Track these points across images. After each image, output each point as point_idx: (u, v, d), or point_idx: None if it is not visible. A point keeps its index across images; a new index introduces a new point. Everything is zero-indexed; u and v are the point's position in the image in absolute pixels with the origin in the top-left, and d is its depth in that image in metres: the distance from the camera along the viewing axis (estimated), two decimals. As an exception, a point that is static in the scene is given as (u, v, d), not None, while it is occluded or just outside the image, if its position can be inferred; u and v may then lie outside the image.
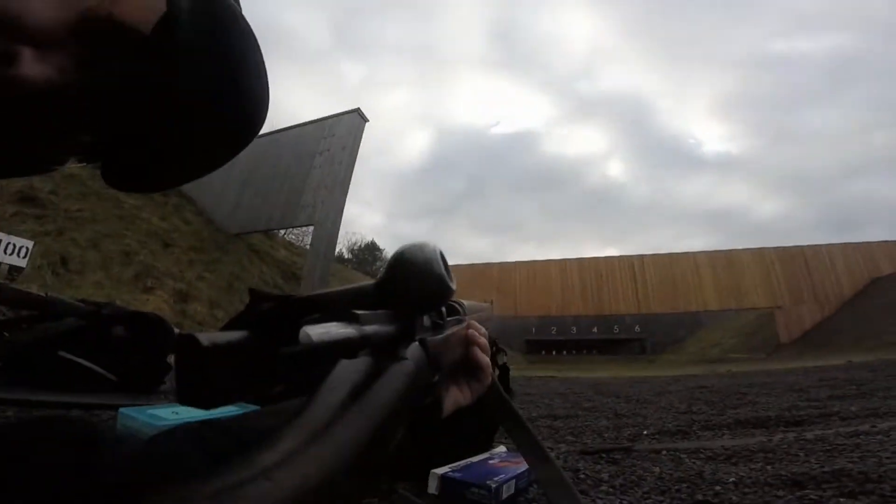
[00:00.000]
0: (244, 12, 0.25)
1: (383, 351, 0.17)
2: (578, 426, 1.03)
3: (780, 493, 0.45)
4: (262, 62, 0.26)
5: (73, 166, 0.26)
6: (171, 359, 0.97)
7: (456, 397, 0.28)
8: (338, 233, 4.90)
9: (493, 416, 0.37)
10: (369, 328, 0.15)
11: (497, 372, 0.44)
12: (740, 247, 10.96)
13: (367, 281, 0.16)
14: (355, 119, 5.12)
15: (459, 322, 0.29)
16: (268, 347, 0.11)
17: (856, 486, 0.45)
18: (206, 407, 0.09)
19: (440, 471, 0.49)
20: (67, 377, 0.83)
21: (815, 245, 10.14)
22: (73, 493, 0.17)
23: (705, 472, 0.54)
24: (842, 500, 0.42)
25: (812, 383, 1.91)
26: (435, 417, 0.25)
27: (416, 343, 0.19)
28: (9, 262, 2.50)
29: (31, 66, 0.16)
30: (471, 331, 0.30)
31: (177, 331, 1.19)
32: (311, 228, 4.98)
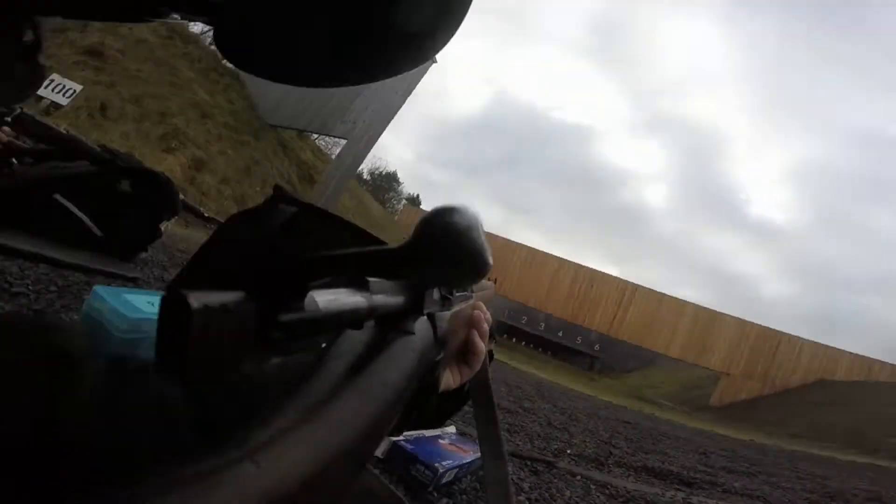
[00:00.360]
0: None
1: (390, 323, 0.15)
2: (516, 424, 1.17)
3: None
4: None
5: (173, 21, 0.25)
6: (163, 226, 0.97)
7: (446, 379, 0.27)
8: (367, 154, 4.83)
9: (472, 398, 0.36)
10: (378, 297, 0.14)
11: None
12: (723, 310, 11.23)
13: (386, 244, 0.13)
14: None
15: (467, 299, 0.28)
16: (268, 312, 0.10)
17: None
18: (188, 384, 0.08)
19: (392, 437, 0.51)
20: (52, 223, 0.79)
21: (793, 336, 10.47)
22: (31, 469, 0.14)
23: (603, 508, 0.66)
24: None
25: (715, 449, 2.14)
26: (431, 398, 0.24)
27: (425, 317, 0.18)
28: (53, 98, 2.47)
29: None
30: (476, 312, 0.28)
31: (183, 199, 1.20)
32: (343, 141, 4.88)
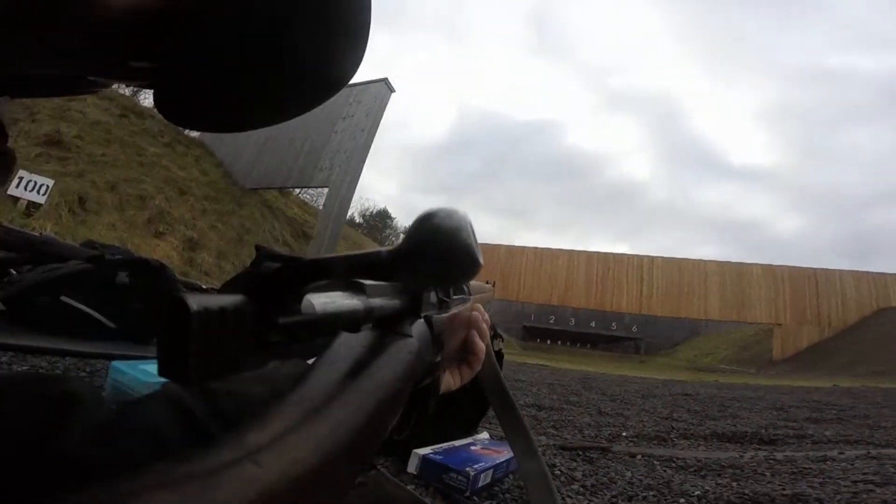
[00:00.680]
0: None
1: (387, 326, 0.16)
2: (561, 420, 1.08)
3: (739, 511, 0.48)
4: (367, 18, 0.22)
5: (101, 90, 0.23)
6: None
7: (446, 380, 0.27)
8: (352, 197, 4.97)
9: (489, 402, 0.36)
10: (375, 301, 0.14)
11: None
12: (750, 261, 10.77)
13: (380, 247, 0.14)
14: (382, 88, 5.06)
15: (464, 301, 0.28)
16: (266, 315, 0.10)
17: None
18: (187, 383, 0.08)
19: (422, 451, 0.50)
20: (67, 323, 0.84)
21: (829, 269, 9.92)
22: (31, 468, 0.15)
23: (674, 482, 0.58)
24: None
25: (794, 403, 1.95)
26: (431, 400, 0.24)
27: (422, 320, 0.18)
28: (28, 198, 2.59)
29: None
30: (475, 313, 0.29)
31: (182, 279, 1.22)
32: (325, 190, 5.06)
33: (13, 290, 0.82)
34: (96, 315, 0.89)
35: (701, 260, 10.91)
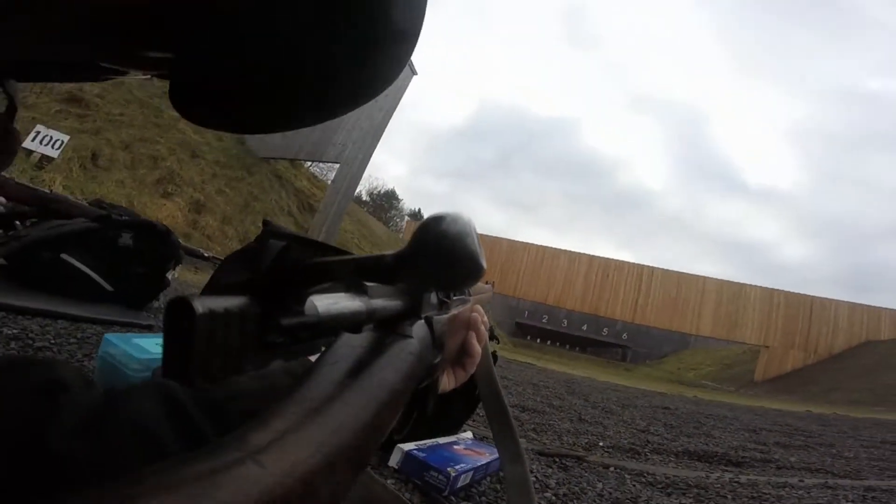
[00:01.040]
0: None
1: (388, 326, 0.16)
2: (543, 423, 1.12)
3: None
4: (411, 26, 0.19)
5: (132, 78, 0.23)
6: (170, 275, 1.01)
7: (442, 381, 0.27)
8: (362, 175, 4.95)
9: (482, 404, 0.36)
10: (376, 302, 0.14)
11: None
12: (750, 282, 10.82)
13: (385, 252, 0.14)
14: (405, 69, 5.01)
15: (464, 302, 0.28)
16: (269, 317, 0.10)
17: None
18: (191, 384, 0.08)
19: (406, 446, 0.51)
20: (64, 282, 0.83)
21: (825, 298, 9.98)
22: (16, 464, 0.15)
23: (641, 497, 0.62)
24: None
25: (766, 425, 2.01)
26: (430, 400, 0.24)
27: (422, 321, 0.18)
28: (43, 151, 2.59)
29: None
30: (474, 314, 0.29)
31: (185, 245, 1.23)
32: (336, 165, 5.03)
33: (16, 245, 0.82)
34: (95, 276, 0.89)
35: (701, 276, 10.95)
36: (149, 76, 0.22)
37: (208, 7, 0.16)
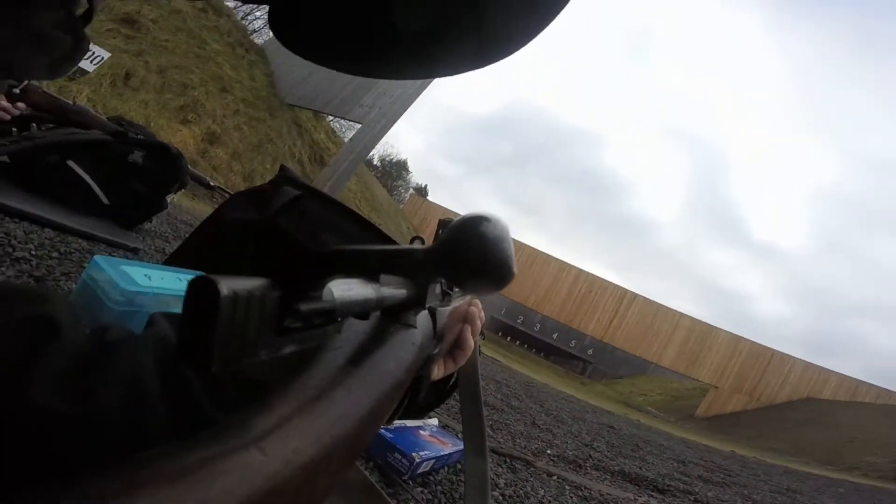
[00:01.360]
0: None
1: (392, 315, 0.16)
2: (500, 422, 1.20)
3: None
4: None
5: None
6: (170, 198, 1.00)
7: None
8: (379, 140, 4.84)
9: (461, 398, 0.36)
10: (385, 290, 0.14)
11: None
12: (721, 325, 11.31)
13: (414, 245, 0.13)
14: None
15: (464, 295, 0.28)
16: (288, 301, 0.10)
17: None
18: (209, 369, 0.08)
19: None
20: (63, 188, 0.82)
21: (785, 354, 10.54)
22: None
23: (575, 509, 0.68)
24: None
25: (694, 459, 2.17)
26: (422, 389, 0.24)
27: (426, 311, 0.18)
28: (80, 64, 2.47)
29: None
30: (472, 308, 0.29)
31: (192, 171, 1.21)
32: (357, 125, 4.92)
33: (27, 144, 0.79)
34: (94, 186, 0.88)
35: (678, 311, 11.34)
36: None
37: None
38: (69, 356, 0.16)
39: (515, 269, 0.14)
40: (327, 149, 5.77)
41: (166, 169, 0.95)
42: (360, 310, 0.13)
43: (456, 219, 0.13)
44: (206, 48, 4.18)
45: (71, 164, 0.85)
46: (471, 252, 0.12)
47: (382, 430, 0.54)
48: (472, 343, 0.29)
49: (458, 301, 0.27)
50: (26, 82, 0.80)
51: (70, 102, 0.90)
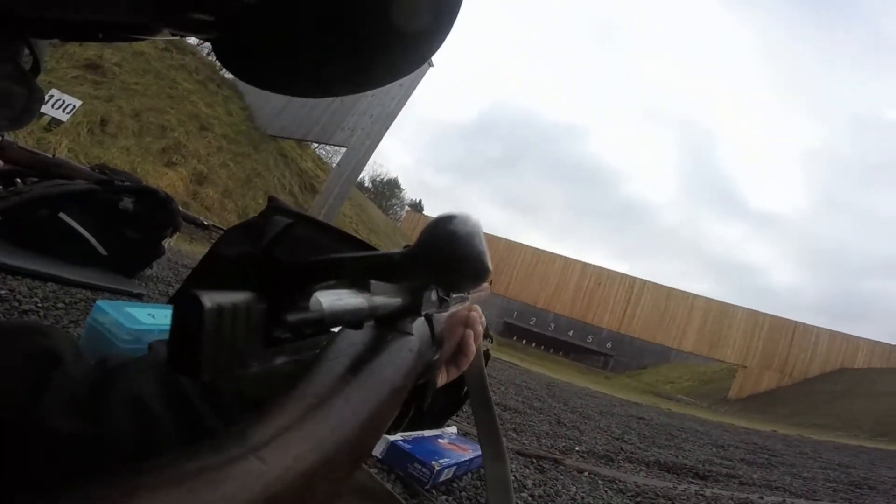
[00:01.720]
0: None
1: (388, 323, 0.16)
2: (523, 424, 1.16)
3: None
4: None
5: (164, 38, 0.23)
6: (166, 243, 1.01)
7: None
8: (367, 161, 4.94)
9: (470, 401, 0.36)
10: (378, 298, 0.14)
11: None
12: (736, 302, 11.07)
13: (392, 250, 0.14)
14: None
15: (463, 300, 0.28)
16: (275, 312, 0.10)
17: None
18: (199, 378, 0.08)
19: (391, 437, 0.52)
20: (59, 242, 0.82)
21: (808, 324, 10.25)
22: (9, 438, 0.15)
23: None
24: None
25: (734, 442, 2.08)
26: (426, 397, 0.24)
27: (423, 319, 0.18)
28: (53, 114, 2.57)
29: None
30: (472, 313, 0.29)
31: (184, 212, 1.22)
32: (343, 149, 5.03)
33: (16, 200, 0.79)
34: (90, 238, 0.88)
35: (690, 293, 11.14)
36: (193, 37, 0.22)
37: None
38: (75, 382, 0.17)
39: (490, 264, 0.14)
40: (316, 176, 5.88)
41: (157, 213, 0.96)
42: (351, 319, 0.13)
43: (429, 221, 0.13)
44: (177, 87, 4.24)
45: (63, 216, 0.85)
46: (443, 250, 0.12)
47: (401, 442, 0.53)
48: (474, 347, 0.29)
49: (457, 306, 0.27)
50: (1, 138, 0.81)
51: (49, 156, 0.90)
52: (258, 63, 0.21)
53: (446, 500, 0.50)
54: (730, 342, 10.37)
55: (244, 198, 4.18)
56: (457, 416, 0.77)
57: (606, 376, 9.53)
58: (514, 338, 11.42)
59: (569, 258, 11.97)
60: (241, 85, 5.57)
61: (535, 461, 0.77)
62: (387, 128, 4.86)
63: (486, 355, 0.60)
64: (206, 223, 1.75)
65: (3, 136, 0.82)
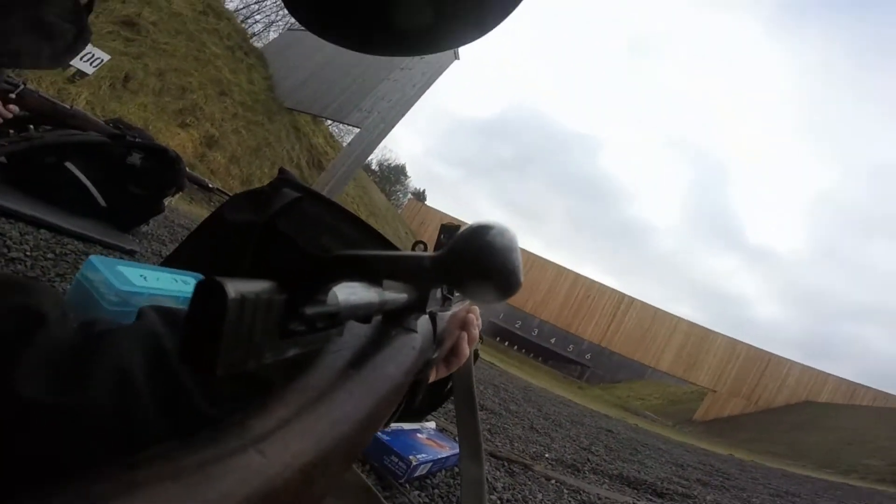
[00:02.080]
0: None
1: (393, 319, 0.16)
2: (498, 426, 1.19)
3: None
4: None
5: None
6: (167, 201, 1.00)
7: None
8: (378, 144, 4.90)
9: (455, 402, 0.36)
10: (388, 294, 0.14)
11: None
12: (717, 328, 11.37)
13: (422, 252, 0.13)
14: (448, 53, 4.97)
15: (463, 300, 0.28)
16: (293, 304, 0.10)
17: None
18: (213, 372, 0.08)
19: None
20: (60, 190, 0.81)
21: (783, 357, 10.59)
22: None
23: (573, 513, 0.67)
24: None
25: (692, 463, 2.16)
26: (419, 393, 0.24)
27: (426, 316, 0.19)
28: (79, 66, 2.51)
29: None
30: (470, 315, 0.29)
31: (190, 173, 1.21)
32: (356, 130, 4.97)
33: (24, 145, 0.78)
34: (92, 189, 0.87)
35: (675, 315, 11.38)
36: None
37: None
38: (55, 347, 0.16)
39: (522, 279, 0.14)
40: (325, 153, 5.81)
41: (164, 172, 0.95)
42: (363, 314, 0.13)
43: (464, 227, 0.13)
44: (205, 51, 4.21)
45: (69, 165, 0.84)
46: (479, 262, 0.12)
47: (379, 433, 0.54)
48: (467, 351, 0.29)
49: (459, 305, 0.28)
50: (22, 86, 0.79)
51: (67, 106, 0.89)
52: (332, 15, 0.20)
53: (419, 496, 0.52)
54: (704, 366, 10.67)
55: (250, 166, 4.13)
56: (436, 411, 0.79)
57: (580, 386, 9.73)
58: (498, 339, 11.55)
59: (562, 267, 12.07)
60: (268, 55, 5.48)
61: (506, 464, 0.79)
62: (402, 114, 4.81)
63: (475, 355, 0.61)
64: (210, 186, 1.73)
65: (24, 85, 0.79)
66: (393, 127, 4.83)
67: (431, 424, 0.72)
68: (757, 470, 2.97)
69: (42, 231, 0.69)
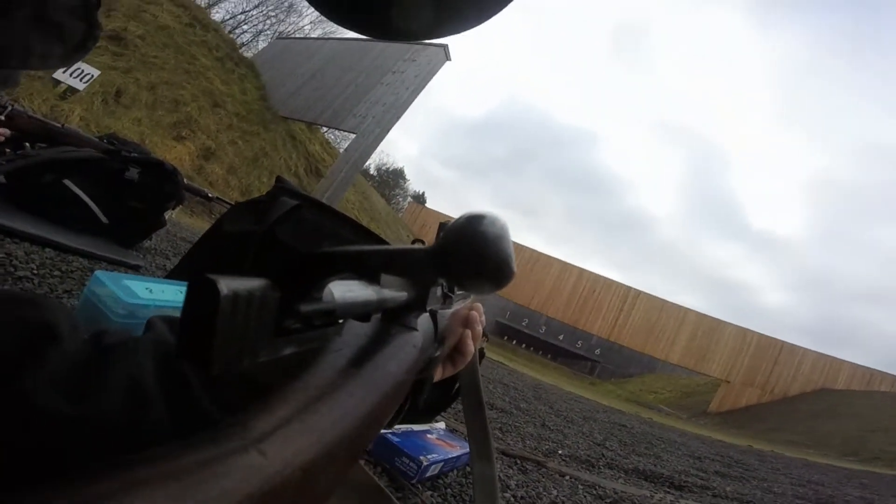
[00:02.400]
0: None
1: (393, 317, 0.16)
2: (509, 424, 1.18)
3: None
4: None
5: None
6: (168, 215, 1.01)
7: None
8: (375, 149, 4.93)
9: (463, 402, 0.36)
10: (386, 292, 0.14)
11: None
12: (726, 318, 11.21)
13: (415, 245, 0.13)
14: (439, 54, 4.96)
15: (465, 298, 0.28)
16: (287, 302, 0.10)
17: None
18: (209, 369, 0.08)
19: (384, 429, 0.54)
20: (61, 208, 0.82)
21: (795, 345, 10.42)
22: None
23: (589, 508, 0.66)
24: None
25: (710, 455, 2.13)
26: (424, 392, 0.24)
27: (427, 314, 0.18)
28: (70, 83, 2.55)
29: None
30: (473, 312, 0.29)
31: (189, 184, 1.22)
32: (352, 135, 5.01)
33: (21, 163, 0.78)
34: (92, 205, 0.88)
35: (683, 307, 11.26)
36: None
37: None
38: (68, 358, 0.17)
39: (515, 268, 0.14)
40: (323, 160, 5.85)
41: (163, 185, 0.96)
42: (360, 311, 0.12)
43: (456, 217, 0.13)
44: (195, 63, 4.25)
45: (67, 182, 0.85)
46: (471, 251, 0.12)
47: (389, 435, 0.54)
48: (472, 348, 0.29)
49: (460, 304, 0.27)
50: (10, 107, 0.80)
51: (58, 125, 0.89)
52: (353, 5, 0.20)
53: (431, 496, 0.51)
54: (716, 357, 10.53)
55: (249, 176, 4.18)
56: (445, 412, 0.79)
57: (592, 382, 9.65)
58: (505, 337, 11.50)
59: (566, 263, 12.01)
60: (258, 64, 5.54)
61: (518, 462, 0.78)
62: (398, 117, 4.84)
63: (481, 354, 0.61)
64: (210, 196, 1.74)
65: (12, 106, 0.80)
66: (388, 131, 4.85)
67: (441, 425, 0.72)
68: (777, 460, 2.92)
69: (47, 250, 0.70)
